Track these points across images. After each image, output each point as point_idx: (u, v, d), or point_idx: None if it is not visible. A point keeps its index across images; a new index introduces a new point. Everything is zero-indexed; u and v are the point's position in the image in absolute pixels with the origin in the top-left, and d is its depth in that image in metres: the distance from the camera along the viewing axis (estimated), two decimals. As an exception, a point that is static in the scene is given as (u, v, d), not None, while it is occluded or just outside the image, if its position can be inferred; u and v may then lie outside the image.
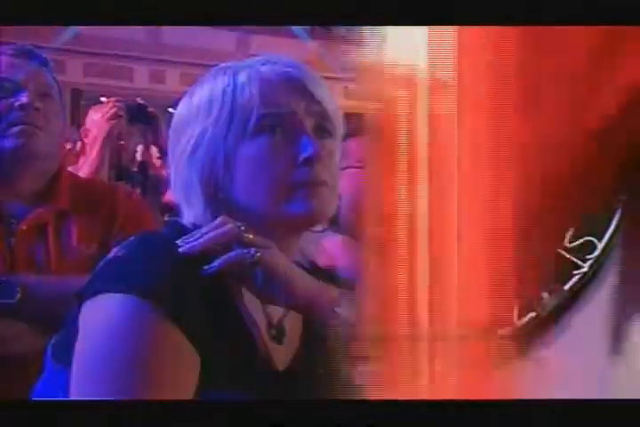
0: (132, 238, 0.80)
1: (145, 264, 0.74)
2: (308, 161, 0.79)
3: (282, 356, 0.82)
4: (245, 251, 0.74)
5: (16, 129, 1.21)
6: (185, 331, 0.70)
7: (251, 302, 0.80)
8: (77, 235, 1.24)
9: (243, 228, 0.76)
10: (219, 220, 0.77)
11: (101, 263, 0.78)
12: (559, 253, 0.66)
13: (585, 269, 0.67)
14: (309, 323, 0.84)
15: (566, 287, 0.66)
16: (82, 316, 0.72)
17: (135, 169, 3.02)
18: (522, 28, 0.67)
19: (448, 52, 0.65)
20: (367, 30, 0.70)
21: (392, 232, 0.66)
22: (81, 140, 2.52)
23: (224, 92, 0.81)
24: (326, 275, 0.89)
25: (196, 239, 0.75)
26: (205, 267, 0.74)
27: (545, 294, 0.66)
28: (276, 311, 0.83)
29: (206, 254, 0.74)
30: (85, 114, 2.51)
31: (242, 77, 0.82)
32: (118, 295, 0.70)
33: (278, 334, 0.83)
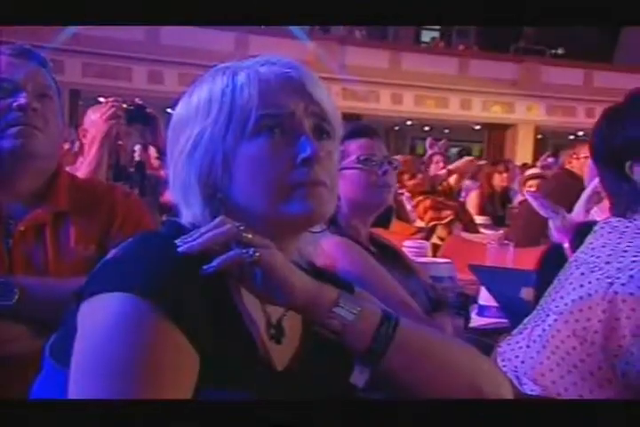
0: (130, 239, 0.80)
1: (144, 264, 0.73)
2: (307, 162, 0.79)
3: (280, 356, 0.82)
4: (244, 250, 0.74)
5: (14, 130, 1.21)
6: (185, 330, 0.69)
7: (250, 301, 0.80)
8: (75, 236, 1.24)
9: (242, 227, 0.76)
10: (217, 220, 0.76)
11: (100, 263, 0.77)
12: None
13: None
14: (309, 323, 0.83)
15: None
16: (80, 315, 0.72)
17: (133, 169, 3.02)
18: None
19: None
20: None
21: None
22: (79, 140, 2.51)
23: (223, 92, 0.81)
24: (325, 275, 0.89)
25: (194, 239, 0.74)
26: (204, 267, 0.73)
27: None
28: (276, 311, 0.83)
29: (205, 254, 0.74)
30: (84, 114, 2.51)
31: (241, 78, 0.82)
32: (117, 294, 0.70)
33: (277, 334, 0.83)
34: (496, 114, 16.25)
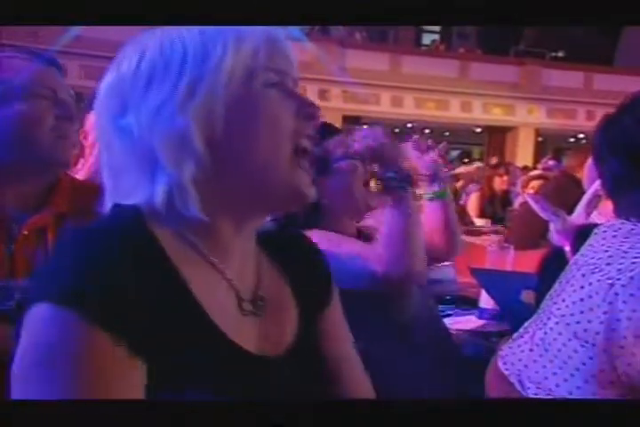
0: (62, 238, 0.74)
1: (73, 265, 0.66)
2: (312, 119, 0.78)
3: (266, 335, 0.78)
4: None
5: (60, 142, 1.24)
6: (119, 337, 0.64)
7: (207, 280, 0.75)
8: None
9: None
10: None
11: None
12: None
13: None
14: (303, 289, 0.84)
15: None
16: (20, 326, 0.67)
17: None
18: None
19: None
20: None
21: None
22: (80, 142, 2.51)
23: (225, 39, 0.74)
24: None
25: None
26: None
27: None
28: (246, 282, 0.79)
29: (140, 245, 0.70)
30: (84, 116, 2.51)
31: (241, 29, 0.76)
32: (42, 305, 0.64)
33: (255, 308, 0.79)
34: (496, 116, 16.27)
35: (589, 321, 1.03)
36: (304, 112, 0.77)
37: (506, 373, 1.17)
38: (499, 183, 6.22)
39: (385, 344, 1.56)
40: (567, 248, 1.78)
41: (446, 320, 2.03)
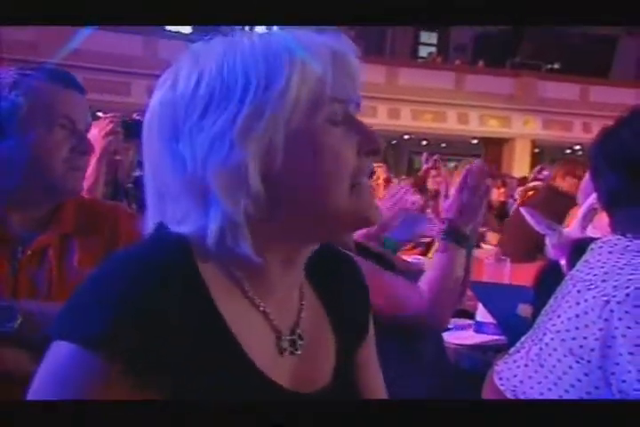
0: (101, 266, 0.69)
1: (107, 302, 0.63)
2: (374, 154, 0.73)
3: (301, 373, 0.76)
4: None
5: (77, 174, 1.26)
6: (150, 380, 0.62)
7: (247, 319, 0.72)
8: (80, 257, 1.24)
9: None
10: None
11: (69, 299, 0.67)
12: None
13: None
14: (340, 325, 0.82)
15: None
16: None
17: (131, 184, 3.02)
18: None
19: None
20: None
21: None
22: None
23: (291, 62, 0.68)
24: None
25: None
26: None
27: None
28: (286, 319, 0.77)
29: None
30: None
31: (310, 46, 0.69)
32: (64, 344, 0.62)
33: (292, 345, 0.76)
34: (493, 128, 16.30)
35: (585, 338, 1.03)
36: (367, 149, 0.72)
37: (501, 388, 1.17)
38: (495, 195, 6.23)
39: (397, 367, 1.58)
40: (563, 262, 1.78)
41: (444, 334, 2.03)
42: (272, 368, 0.72)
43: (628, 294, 1.01)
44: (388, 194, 2.06)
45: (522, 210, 2.27)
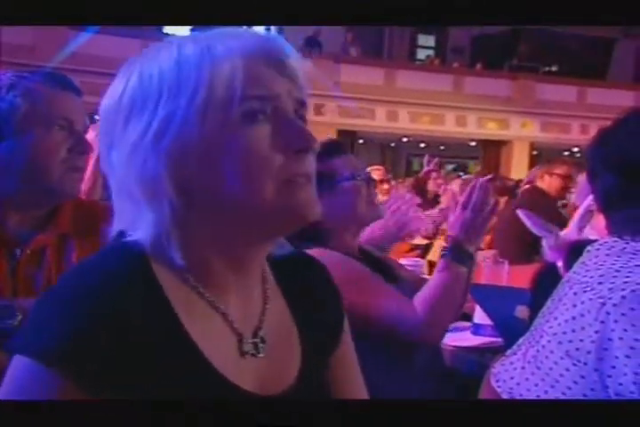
0: (63, 276, 0.70)
1: (65, 317, 0.64)
2: (304, 152, 0.71)
3: (261, 370, 0.76)
4: None
5: (75, 175, 1.26)
6: (104, 396, 0.63)
7: (207, 320, 0.73)
8: (77, 257, 1.25)
9: None
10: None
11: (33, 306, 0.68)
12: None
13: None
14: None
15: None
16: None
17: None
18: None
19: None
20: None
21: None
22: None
23: (198, 66, 0.68)
24: None
25: None
26: None
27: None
28: (248, 323, 0.77)
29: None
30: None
31: (218, 51, 0.69)
32: (23, 358, 0.63)
33: (256, 349, 0.77)
34: (491, 130, 16.32)
35: (581, 340, 1.03)
36: (296, 147, 0.70)
37: (498, 390, 1.17)
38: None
39: (389, 373, 1.58)
40: (560, 264, 1.79)
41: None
42: (233, 371, 0.73)
43: (624, 297, 1.01)
44: (389, 205, 2.03)
45: (519, 212, 2.27)
